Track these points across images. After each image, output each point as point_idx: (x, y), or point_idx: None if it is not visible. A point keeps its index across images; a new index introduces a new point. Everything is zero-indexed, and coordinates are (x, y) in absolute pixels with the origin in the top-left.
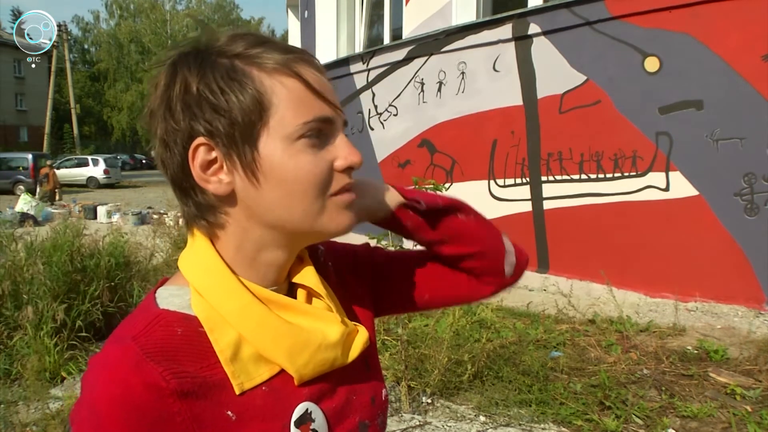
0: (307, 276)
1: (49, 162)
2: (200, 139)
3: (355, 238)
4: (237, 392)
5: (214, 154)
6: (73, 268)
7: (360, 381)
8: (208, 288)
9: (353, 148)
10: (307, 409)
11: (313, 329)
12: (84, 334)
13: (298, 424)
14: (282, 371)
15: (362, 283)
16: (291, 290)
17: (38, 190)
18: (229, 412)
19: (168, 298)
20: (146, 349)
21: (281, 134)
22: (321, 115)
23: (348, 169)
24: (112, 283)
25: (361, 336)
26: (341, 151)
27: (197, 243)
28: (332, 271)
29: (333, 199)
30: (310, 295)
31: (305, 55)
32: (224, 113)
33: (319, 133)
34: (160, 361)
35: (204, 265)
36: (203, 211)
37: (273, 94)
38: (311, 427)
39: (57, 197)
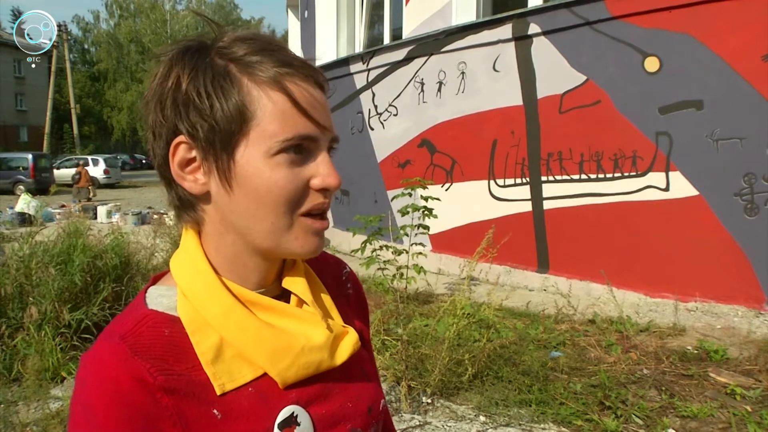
0: (296, 282)
1: (81, 161)
2: (181, 138)
3: (353, 240)
4: (218, 393)
5: (193, 153)
6: (88, 270)
7: (357, 389)
8: (193, 291)
9: (333, 170)
10: (292, 413)
11: (296, 332)
12: (86, 335)
13: (282, 426)
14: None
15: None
16: (286, 294)
17: (73, 187)
18: (215, 411)
19: (157, 298)
20: (134, 347)
21: (260, 147)
22: (303, 133)
23: (324, 190)
24: (121, 287)
25: (350, 338)
26: (321, 171)
27: (186, 240)
28: (350, 294)
29: (303, 220)
30: (302, 300)
31: (304, 69)
32: (207, 117)
33: (300, 150)
34: (147, 358)
35: (190, 266)
36: (184, 204)
37: (257, 107)
38: (295, 431)
39: (91, 193)
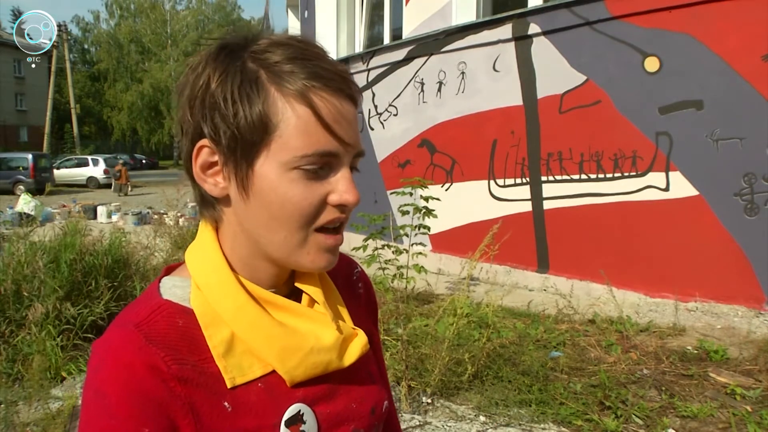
0: (308, 282)
1: (121, 160)
2: (205, 141)
3: (352, 237)
4: (228, 386)
5: (215, 157)
6: (80, 267)
7: (362, 390)
8: (207, 285)
9: (352, 187)
10: (299, 411)
11: (307, 332)
12: (87, 334)
13: (288, 424)
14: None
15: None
16: (296, 292)
17: (113, 183)
18: (226, 403)
19: (171, 288)
20: (149, 336)
21: (279, 159)
22: (324, 150)
23: (341, 206)
24: (115, 283)
25: (360, 340)
26: (339, 187)
27: (203, 235)
28: (360, 294)
29: (317, 236)
30: (313, 300)
31: (335, 81)
32: (230, 124)
33: (321, 166)
34: (161, 347)
35: (206, 260)
36: (205, 202)
37: (281, 119)
38: (301, 429)
39: (129, 189)
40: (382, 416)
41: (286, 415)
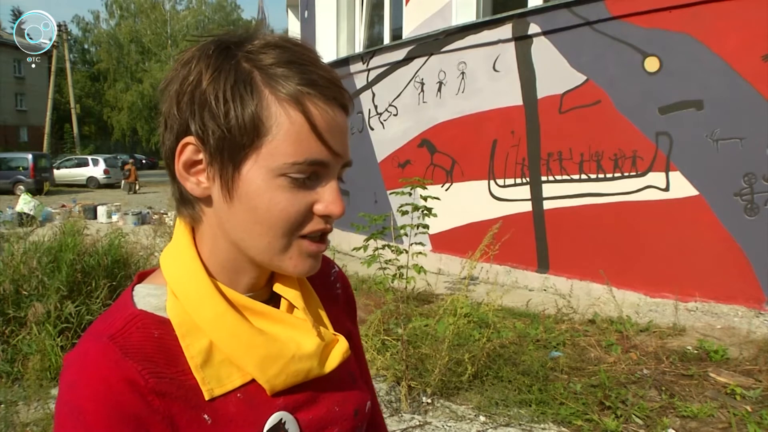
0: (288, 287)
1: (131, 160)
2: (190, 139)
3: (352, 237)
4: (206, 398)
5: (200, 156)
6: (80, 268)
7: (345, 393)
8: (184, 292)
9: (339, 199)
10: (281, 419)
11: (287, 339)
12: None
13: None
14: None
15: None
16: (275, 296)
17: (122, 182)
18: (206, 416)
19: (145, 297)
20: (125, 349)
21: (268, 165)
22: (314, 159)
23: (326, 216)
24: (114, 283)
25: (341, 346)
26: (326, 197)
27: (179, 237)
28: (338, 294)
29: (300, 242)
30: (293, 305)
31: (329, 89)
32: (220, 124)
33: (309, 175)
34: (138, 360)
35: (183, 266)
36: (184, 200)
37: (273, 123)
38: None
39: (138, 187)
40: (366, 417)
41: (268, 425)
